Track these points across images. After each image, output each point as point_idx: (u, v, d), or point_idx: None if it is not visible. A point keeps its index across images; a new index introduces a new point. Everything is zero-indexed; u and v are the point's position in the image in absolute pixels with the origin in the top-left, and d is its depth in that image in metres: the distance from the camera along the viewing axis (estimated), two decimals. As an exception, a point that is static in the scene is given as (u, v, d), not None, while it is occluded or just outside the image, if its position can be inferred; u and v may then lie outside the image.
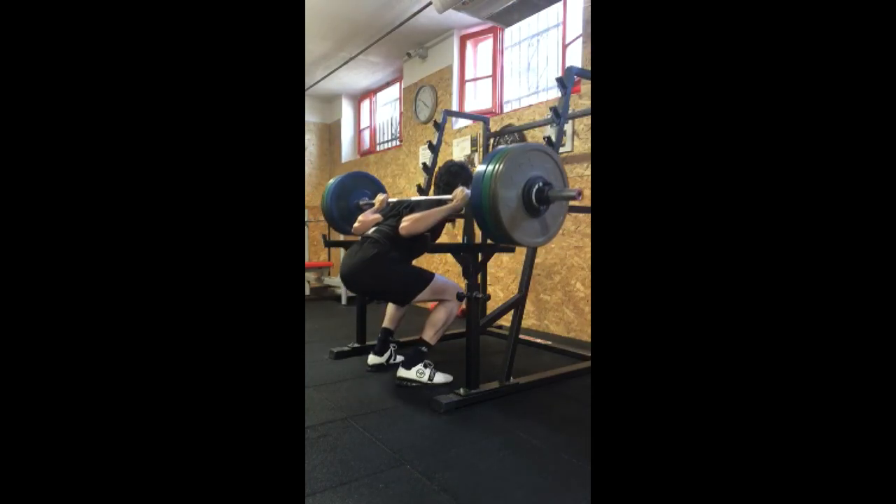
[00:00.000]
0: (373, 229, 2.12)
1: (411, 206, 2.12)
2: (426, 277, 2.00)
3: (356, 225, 2.25)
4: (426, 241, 1.98)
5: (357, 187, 2.55)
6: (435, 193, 2.18)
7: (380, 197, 2.31)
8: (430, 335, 2.00)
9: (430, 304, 2.13)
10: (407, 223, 1.94)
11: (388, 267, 1.98)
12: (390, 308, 2.26)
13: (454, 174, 2.13)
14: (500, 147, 1.59)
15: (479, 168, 1.56)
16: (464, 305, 1.86)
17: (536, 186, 1.57)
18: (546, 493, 1.17)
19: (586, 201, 2.70)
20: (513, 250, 1.87)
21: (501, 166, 1.50)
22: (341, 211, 2.50)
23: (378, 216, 2.22)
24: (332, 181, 2.53)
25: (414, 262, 2.13)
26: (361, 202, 2.51)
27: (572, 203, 2.78)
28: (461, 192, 1.91)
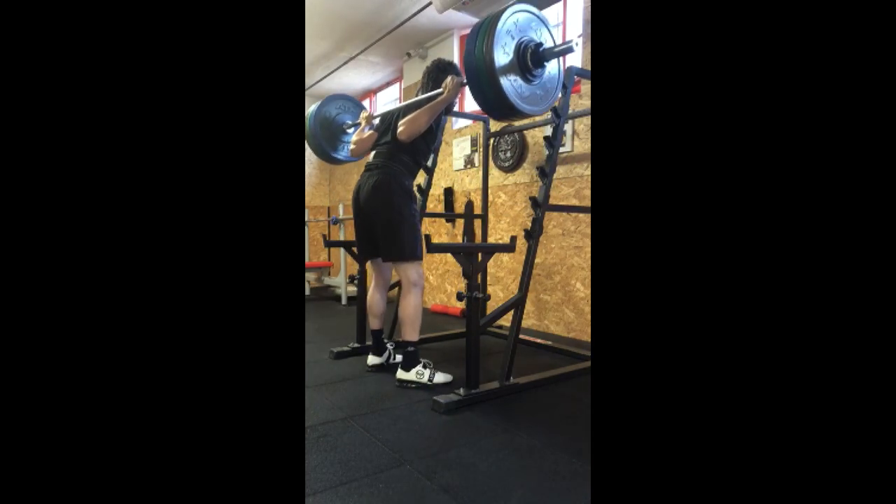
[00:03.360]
0: (372, 154, 2.06)
1: (402, 111, 2.05)
2: (419, 254, 1.97)
3: (352, 147, 2.21)
4: (428, 141, 1.94)
5: (339, 111, 2.51)
6: (423, 93, 2.08)
7: (364, 114, 2.25)
8: (409, 333, 1.97)
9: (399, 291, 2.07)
10: (404, 127, 1.91)
11: (400, 210, 1.93)
12: (371, 308, 2.21)
13: (442, 70, 2.06)
14: (480, 20, 1.56)
15: (467, 46, 1.52)
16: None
17: (530, 49, 1.54)
18: (546, 493, 1.17)
19: (586, 201, 2.70)
20: (513, 249, 1.87)
21: (489, 38, 1.46)
22: (327, 139, 2.46)
23: (372, 132, 2.16)
24: (311, 108, 2.47)
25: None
26: (346, 125, 2.47)
27: (572, 203, 2.78)
28: (451, 80, 1.87)
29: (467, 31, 3.71)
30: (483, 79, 1.49)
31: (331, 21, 3.52)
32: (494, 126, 3.24)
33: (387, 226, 1.96)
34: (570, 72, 2.07)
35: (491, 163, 3.31)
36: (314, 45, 3.93)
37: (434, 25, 3.60)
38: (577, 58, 2.85)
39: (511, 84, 1.52)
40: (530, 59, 1.54)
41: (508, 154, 3.25)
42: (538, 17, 1.63)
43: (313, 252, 5.59)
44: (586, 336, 2.74)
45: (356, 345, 2.44)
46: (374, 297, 2.20)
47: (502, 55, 1.50)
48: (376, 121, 2.21)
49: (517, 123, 3.12)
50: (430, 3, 3.08)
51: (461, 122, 3.72)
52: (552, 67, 1.70)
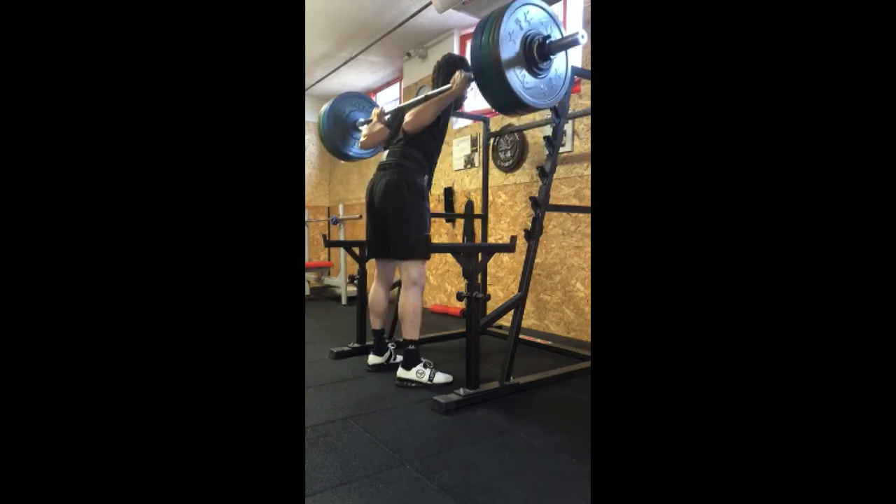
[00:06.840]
0: (385, 154, 2.11)
1: (411, 106, 2.07)
2: (425, 254, 1.99)
3: (362, 139, 2.24)
4: (436, 135, 2.00)
5: (352, 109, 2.53)
6: (434, 88, 2.10)
7: (376, 110, 2.25)
8: (409, 331, 1.98)
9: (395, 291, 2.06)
10: (410, 118, 1.94)
11: (412, 205, 1.95)
12: (373, 307, 2.21)
13: (453, 64, 2.07)
14: (489, 14, 1.55)
15: (474, 40, 1.52)
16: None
17: (536, 41, 1.53)
18: (546, 493, 1.17)
19: (586, 201, 2.70)
20: (513, 249, 1.87)
21: (496, 31, 1.46)
22: (341, 136, 2.49)
23: (383, 126, 2.18)
24: (325, 107, 2.49)
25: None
26: (359, 122, 2.49)
27: (572, 203, 2.77)
28: (459, 75, 1.87)
29: (467, 31, 3.72)
30: (488, 71, 1.48)
31: (331, 21, 3.52)
32: (494, 126, 3.24)
33: (397, 223, 1.98)
34: (570, 72, 2.07)
35: (491, 163, 3.31)
36: (314, 45, 3.93)
37: (434, 25, 3.59)
38: (578, 58, 2.85)
39: (516, 76, 1.51)
40: (536, 51, 1.53)
41: (508, 154, 3.25)
42: (547, 11, 1.62)
43: (313, 252, 5.59)
44: (586, 336, 2.74)
45: (356, 345, 2.44)
46: (375, 296, 2.20)
47: (509, 47, 1.49)
48: (387, 116, 2.21)
49: (517, 123, 3.13)
50: (430, 3, 3.08)
51: (461, 122, 3.72)
52: (559, 64, 1.68)
